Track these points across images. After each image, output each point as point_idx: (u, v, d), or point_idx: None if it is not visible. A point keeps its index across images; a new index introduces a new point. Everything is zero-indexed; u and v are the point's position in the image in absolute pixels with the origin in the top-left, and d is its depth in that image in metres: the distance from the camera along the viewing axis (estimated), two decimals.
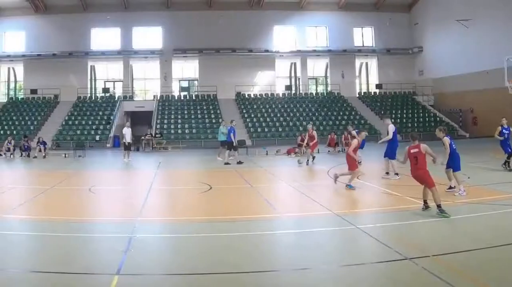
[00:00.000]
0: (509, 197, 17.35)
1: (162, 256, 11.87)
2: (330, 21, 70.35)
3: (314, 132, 31.51)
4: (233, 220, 15.27)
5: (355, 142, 21.50)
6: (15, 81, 68.89)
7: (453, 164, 18.58)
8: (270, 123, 58.32)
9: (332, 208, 16.36)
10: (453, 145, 18.56)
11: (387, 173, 23.67)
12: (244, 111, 61.99)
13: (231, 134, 33.72)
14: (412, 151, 15.44)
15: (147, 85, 71.29)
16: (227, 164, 32.69)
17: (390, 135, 24.35)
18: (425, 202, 15.45)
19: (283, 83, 71.68)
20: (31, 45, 64.64)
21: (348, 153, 21.20)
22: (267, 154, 39.71)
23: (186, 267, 10.62)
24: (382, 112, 63.03)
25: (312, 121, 54.49)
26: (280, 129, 57.05)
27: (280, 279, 9.97)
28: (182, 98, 66.96)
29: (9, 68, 68.26)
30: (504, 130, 25.01)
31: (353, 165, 20.96)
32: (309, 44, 70.49)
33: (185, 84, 70.14)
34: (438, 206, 14.46)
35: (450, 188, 18.87)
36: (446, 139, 18.27)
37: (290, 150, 39.12)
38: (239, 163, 32.90)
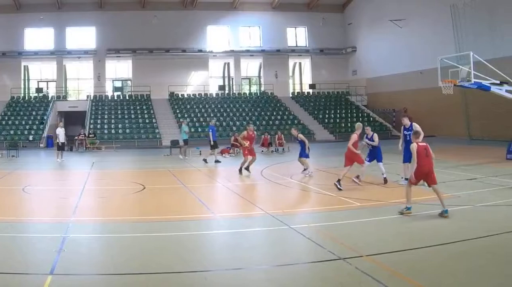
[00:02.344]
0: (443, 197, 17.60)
1: (96, 256, 11.80)
2: (263, 21, 70.42)
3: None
4: (166, 220, 15.23)
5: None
6: None
7: (304, 153, 25.33)
8: (203, 123, 57.88)
9: (266, 208, 16.36)
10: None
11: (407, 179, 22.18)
12: (177, 111, 61.49)
13: (210, 133, 34.37)
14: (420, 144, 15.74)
15: (81, 85, 70.01)
16: (217, 161, 33.45)
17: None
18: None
19: (217, 83, 71.45)
20: None
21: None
22: (200, 154, 39.52)
23: (119, 267, 10.54)
24: (316, 112, 63.56)
25: (246, 121, 54.58)
26: (207, 130, 56.78)
27: (212, 280, 9.90)
28: (115, 98, 66.02)
29: None
30: None
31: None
32: (242, 44, 70.41)
33: (118, 84, 69.20)
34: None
35: (304, 170, 25.29)
36: (301, 136, 25.74)
37: (224, 150, 39.07)
38: (217, 161, 33.42)
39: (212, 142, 33.96)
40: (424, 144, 15.68)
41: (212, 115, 59.81)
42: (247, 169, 26.71)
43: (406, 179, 20.86)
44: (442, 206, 14.84)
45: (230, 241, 13.03)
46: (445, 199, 16.21)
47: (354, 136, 21.01)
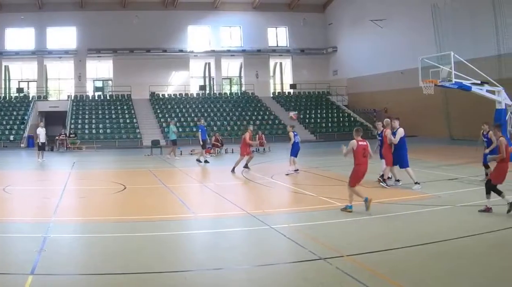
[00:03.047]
0: (421, 197, 17.65)
1: (76, 256, 11.78)
2: (244, 21, 70.48)
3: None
4: (147, 220, 15.21)
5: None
6: None
7: (293, 152, 25.78)
8: (184, 123, 57.94)
9: (247, 208, 16.37)
10: (296, 139, 26.15)
11: (398, 180, 20.76)
12: (158, 111, 61.41)
13: (199, 133, 34.30)
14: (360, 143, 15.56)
15: (62, 85, 69.75)
16: (206, 162, 33.24)
17: (397, 140, 20.30)
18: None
19: (197, 83, 71.39)
20: None
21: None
22: (181, 154, 39.43)
23: (100, 267, 10.52)
24: (296, 112, 63.54)
25: (227, 122, 54.50)
26: (194, 129, 56.39)
27: (193, 280, 9.91)
28: (96, 98, 65.75)
29: None
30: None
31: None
32: (223, 44, 70.41)
33: (99, 84, 68.95)
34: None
35: (296, 170, 25.55)
36: (291, 134, 26.01)
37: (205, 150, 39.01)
38: (206, 162, 33.24)
39: (201, 142, 33.90)
40: (365, 143, 15.66)
41: (193, 115, 59.74)
42: (246, 166, 27.47)
43: (397, 180, 20.88)
44: (349, 202, 15.47)
45: (210, 241, 13.01)
46: (426, 199, 16.30)
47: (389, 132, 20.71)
